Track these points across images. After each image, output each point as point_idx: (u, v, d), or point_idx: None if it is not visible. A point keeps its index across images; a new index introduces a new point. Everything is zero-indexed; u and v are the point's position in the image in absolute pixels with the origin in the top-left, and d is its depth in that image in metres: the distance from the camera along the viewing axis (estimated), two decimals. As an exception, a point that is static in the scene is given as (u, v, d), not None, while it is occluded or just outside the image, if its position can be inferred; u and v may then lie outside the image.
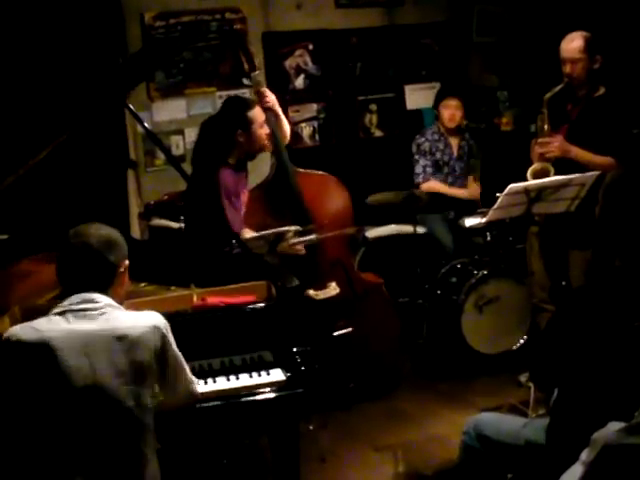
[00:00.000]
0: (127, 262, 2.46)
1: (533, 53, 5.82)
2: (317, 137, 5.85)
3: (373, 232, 5.21)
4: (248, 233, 3.80)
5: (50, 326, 2.28)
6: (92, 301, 2.32)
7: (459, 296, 4.61)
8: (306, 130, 5.81)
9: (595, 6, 5.21)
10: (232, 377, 2.81)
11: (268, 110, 4.00)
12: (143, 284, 3.23)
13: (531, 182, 3.84)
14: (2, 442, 2.35)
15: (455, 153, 5.19)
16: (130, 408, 2.28)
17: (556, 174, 3.90)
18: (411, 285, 5.01)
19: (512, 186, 3.71)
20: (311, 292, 4.15)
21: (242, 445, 3.70)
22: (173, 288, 3.17)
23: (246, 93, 5.19)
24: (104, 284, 2.38)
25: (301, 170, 4.19)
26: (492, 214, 3.82)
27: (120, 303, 2.43)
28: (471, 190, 5.18)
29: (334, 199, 4.31)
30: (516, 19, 6.13)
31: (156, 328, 2.36)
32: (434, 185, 5.09)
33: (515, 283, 4.66)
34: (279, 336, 2.91)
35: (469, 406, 4.15)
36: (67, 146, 3.14)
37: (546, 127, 4.04)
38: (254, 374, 2.83)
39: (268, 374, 2.83)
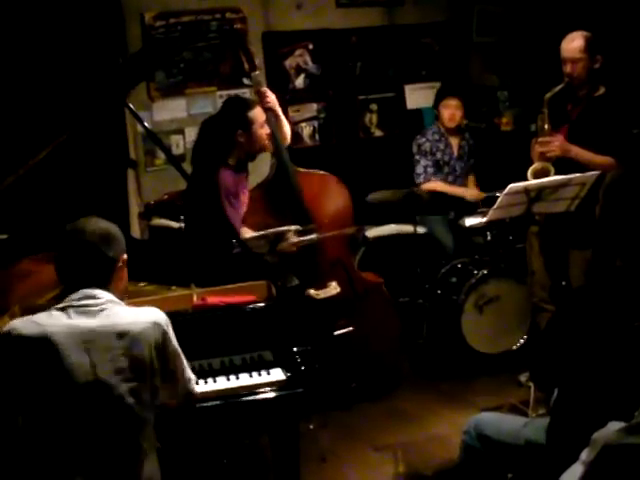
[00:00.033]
0: (125, 256, 2.45)
1: (533, 53, 5.82)
2: (317, 137, 5.84)
3: (373, 232, 5.20)
4: (248, 233, 3.80)
5: (51, 321, 2.27)
6: (93, 297, 2.32)
7: (459, 296, 4.62)
8: (306, 130, 5.81)
9: (595, 6, 5.21)
10: (232, 377, 2.82)
11: (268, 110, 4.00)
12: (143, 284, 3.23)
13: (531, 182, 3.83)
14: (1, 436, 2.35)
15: (455, 153, 5.19)
16: (130, 404, 2.27)
17: (556, 174, 3.90)
18: (411, 285, 5.01)
19: (512, 186, 3.71)
20: (311, 291, 4.15)
21: (242, 445, 3.70)
22: (173, 288, 3.18)
23: (246, 93, 5.20)
24: (104, 279, 2.37)
25: (301, 170, 4.19)
26: (492, 214, 3.82)
27: (121, 298, 2.43)
28: (472, 190, 5.18)
29: (334, 199, 4.30)
30: (516, 19, 6.13)
31: (157, 324, 2.36)
32: (435, 185, 5.09)
33: (515, 283, 4.66)
34: (279, 336, 2.91)
35: (469, 406, 4.15)
36: (67, 146, 3.14)
37: (546, 127, 4.03)
38: (254, 374, 2.83)
39: (268, 374, 2.83)
